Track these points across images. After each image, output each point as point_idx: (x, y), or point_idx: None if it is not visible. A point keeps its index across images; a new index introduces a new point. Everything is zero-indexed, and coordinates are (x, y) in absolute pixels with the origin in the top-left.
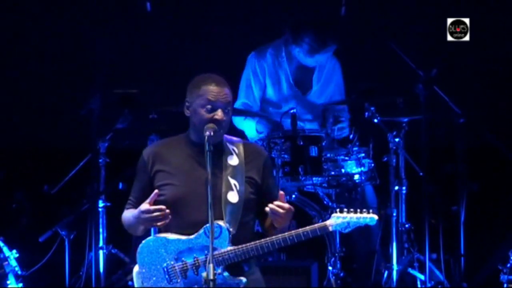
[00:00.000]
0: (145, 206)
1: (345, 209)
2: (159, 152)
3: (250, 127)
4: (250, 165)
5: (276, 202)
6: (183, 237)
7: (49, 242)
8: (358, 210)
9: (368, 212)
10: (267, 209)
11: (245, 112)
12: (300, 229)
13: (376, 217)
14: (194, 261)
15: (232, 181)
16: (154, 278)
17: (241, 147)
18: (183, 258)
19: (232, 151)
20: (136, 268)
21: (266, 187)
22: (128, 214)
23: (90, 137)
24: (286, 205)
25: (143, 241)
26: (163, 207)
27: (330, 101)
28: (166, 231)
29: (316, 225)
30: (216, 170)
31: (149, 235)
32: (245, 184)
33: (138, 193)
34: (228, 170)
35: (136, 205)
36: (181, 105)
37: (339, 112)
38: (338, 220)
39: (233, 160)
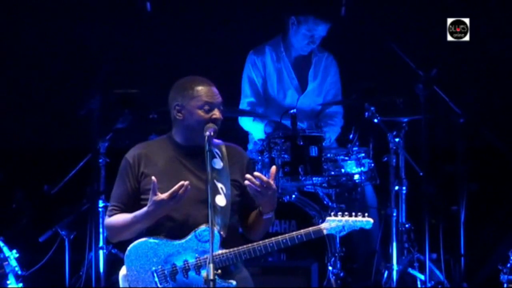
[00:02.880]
0: (161, 196)
1: (340, 212)
2: (145, 154)
3: (258, 129)
4: (233, 167)
5: (255, 174)
6: (173, 241)
7: (49, 242)
8: (353, 214)
9: (364, 216)
10: (246, 182)
11: (251, 113)
12: (294, 232)
13: (371, 220)
14: (184, 264)
15: (219, 185)
16: (142, 282)
17: (223, 150)
18: (172, 262)
19: (216, 154)
20: (123, 271)
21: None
22: (120, 217)
23: (90, 137)
24: (265, 178)
25: (131, 245)
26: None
27: (329, 101)
28: (155, 234)
29: (310, 228)
30: (202, 174)
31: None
32: (231, 187)
33: (124, 198)
34: (213, 173)
35: (124, 211)
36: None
37: (330, 118)
38: (333, 223)
39: (217, 163)
